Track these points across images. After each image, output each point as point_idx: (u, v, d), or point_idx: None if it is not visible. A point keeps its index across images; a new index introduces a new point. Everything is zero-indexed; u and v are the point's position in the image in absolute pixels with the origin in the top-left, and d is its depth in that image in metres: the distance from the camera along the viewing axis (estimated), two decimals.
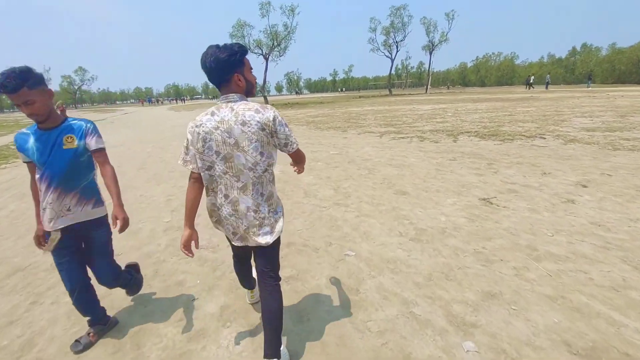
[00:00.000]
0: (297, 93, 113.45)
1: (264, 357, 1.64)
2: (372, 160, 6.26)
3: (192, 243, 1.68)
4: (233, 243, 1.70)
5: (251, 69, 1.60)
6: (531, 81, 37.68)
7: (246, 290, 2.24)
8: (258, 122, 1.48)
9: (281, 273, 1.89)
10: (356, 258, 2.77)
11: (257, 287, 2.12)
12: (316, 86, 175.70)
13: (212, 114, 1.52)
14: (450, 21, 48.18)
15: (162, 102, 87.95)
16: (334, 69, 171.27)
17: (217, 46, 1.50)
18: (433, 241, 2.96)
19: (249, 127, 1.47)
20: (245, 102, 1.54)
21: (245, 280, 2.10)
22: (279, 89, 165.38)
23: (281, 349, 1.70)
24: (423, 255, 2.75)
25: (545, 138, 7.35)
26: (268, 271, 1.70)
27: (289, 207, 3.99)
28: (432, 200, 4.00)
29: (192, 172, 1.62)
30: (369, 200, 4.08)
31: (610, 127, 8.14)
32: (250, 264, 2.01)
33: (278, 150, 1.63)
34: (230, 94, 1.52)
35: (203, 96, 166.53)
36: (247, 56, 1.56)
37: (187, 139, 1.57)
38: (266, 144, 1.53)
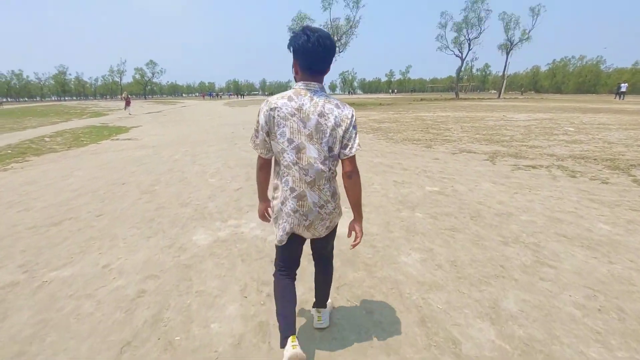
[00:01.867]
0: (350, 93, 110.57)
1: (313, 306, 1.91)
2: (513, 215, 3.51)
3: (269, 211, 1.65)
4: (286, 237, 1.55)
5: None
6: (623, 89, 32.25)
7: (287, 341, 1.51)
8: (336, 117, 1.41)
9: None
10: None
11: (295, 338, 1.54)
12: (370, 87, 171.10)
13: (290, 99, 1.41)
14: (535, 17, 42.06)
15: (220, 97, 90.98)
16: (390, 70, 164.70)
17: (321, 29, 1.41)
18: None
19: (326, 119, 1.40)
20: (325, 94, 1.45)
21: (288, 309, 1.60)
22: (332, 87, 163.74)
23: (328, 302, 1.91)
24: None
25: None
26: (324, 253, 1.77)
27: None
28: None
29: (258, 156, 1.54)
30: None
31: None
32: (294, 286, 1.70)
33: None
34: (312, 82, 1.43)
35: (260, 92, 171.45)
36: None
37: (258, 122, 1.45)
38: (337, 142, 1.43)
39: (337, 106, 1.42)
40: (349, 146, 1.45)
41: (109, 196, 4.53)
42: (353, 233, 1.62)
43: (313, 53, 1.37)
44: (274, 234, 1.61)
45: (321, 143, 1.41)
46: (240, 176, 5.38)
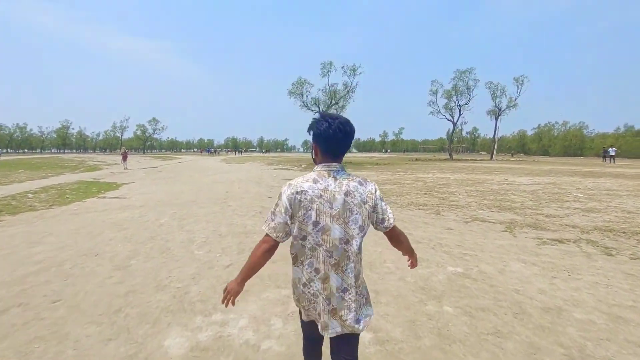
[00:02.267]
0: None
1: None
2: (564, 311, 2.87)
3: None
4: (317, 333, 1.49)
5: None
6: (612, 153, 33.70)
7: None
8: (361, 194, 1.43)
9: None
10: None
11: None
12: (364, 146, 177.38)
13: (315, 181, 1.42)
14: (520, 86, 45.19)
15: (218, 153, 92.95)
16: (384, 131, 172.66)
17: (340, 115, 1.48)
18: None
19: (352, 198, 1.41)
20: (346, 173, 1.47)
21: None
22: None
23: None
24: None
25: None
26: None
27: None
28: None
29: (267, 237, 1.44)
30: None
31: None
32: (321, 351, 1.75)
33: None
34: (333, 163, 1.45)
35: (257, 149, 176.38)
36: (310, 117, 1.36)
37: (281, 205, 1.41)
38: (365, 218, 1.44)
39: (360, 183, 1.46)
40: (386, 219, 1.49)
41: (75, 272, 3.82)
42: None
43: (334, 139, 1.41)
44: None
45: (347, 222, 1.41)
46: (232, 247, 4.73)
